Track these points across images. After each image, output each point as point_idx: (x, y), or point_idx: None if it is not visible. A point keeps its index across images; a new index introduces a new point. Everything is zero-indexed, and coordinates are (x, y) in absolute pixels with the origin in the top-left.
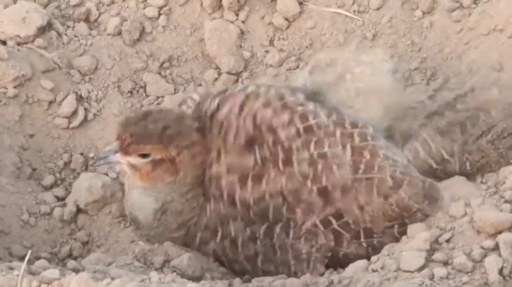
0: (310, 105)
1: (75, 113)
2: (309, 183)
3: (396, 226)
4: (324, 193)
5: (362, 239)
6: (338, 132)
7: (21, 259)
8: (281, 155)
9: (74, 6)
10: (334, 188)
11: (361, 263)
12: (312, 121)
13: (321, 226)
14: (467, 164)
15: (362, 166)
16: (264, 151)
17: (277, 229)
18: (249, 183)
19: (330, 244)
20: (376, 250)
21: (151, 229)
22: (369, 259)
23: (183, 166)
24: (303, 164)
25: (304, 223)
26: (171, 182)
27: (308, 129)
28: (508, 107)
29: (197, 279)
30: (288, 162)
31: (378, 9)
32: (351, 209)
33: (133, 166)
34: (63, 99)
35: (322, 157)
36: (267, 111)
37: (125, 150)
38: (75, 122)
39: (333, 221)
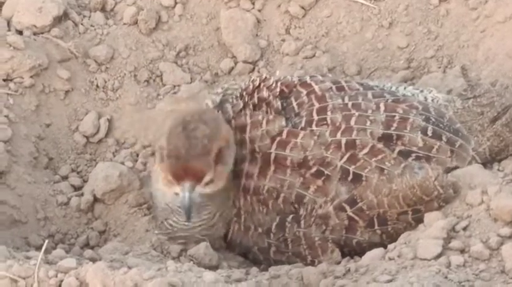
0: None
1: None
2: (339, 134)
3: (410, 212)
4: (351, 146)
5: (376, 227)
6: (369, 93)
7: (38, 248)
8: (316, 104)
9: None
10: (362, 144)
11: (378, 251)
12: (343, 83)
13: (333, 213)
14: (486, 150)
15: (395, 124)
16: (297, 107)
17: (289, 219)
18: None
19: (344, 222)
20: (391, 236)
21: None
22: (383, 245)
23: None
24: (337, 112)
25: (314, 208)
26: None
27: (340, 88)
28: None
29: (214, 268)
30: (322, 110)
31: None
32: (371, 173)
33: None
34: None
35: (357, 107)
36: (304, 76)
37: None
38: None
39: (347, 207)
